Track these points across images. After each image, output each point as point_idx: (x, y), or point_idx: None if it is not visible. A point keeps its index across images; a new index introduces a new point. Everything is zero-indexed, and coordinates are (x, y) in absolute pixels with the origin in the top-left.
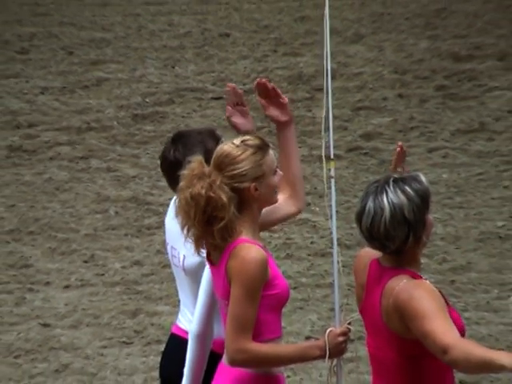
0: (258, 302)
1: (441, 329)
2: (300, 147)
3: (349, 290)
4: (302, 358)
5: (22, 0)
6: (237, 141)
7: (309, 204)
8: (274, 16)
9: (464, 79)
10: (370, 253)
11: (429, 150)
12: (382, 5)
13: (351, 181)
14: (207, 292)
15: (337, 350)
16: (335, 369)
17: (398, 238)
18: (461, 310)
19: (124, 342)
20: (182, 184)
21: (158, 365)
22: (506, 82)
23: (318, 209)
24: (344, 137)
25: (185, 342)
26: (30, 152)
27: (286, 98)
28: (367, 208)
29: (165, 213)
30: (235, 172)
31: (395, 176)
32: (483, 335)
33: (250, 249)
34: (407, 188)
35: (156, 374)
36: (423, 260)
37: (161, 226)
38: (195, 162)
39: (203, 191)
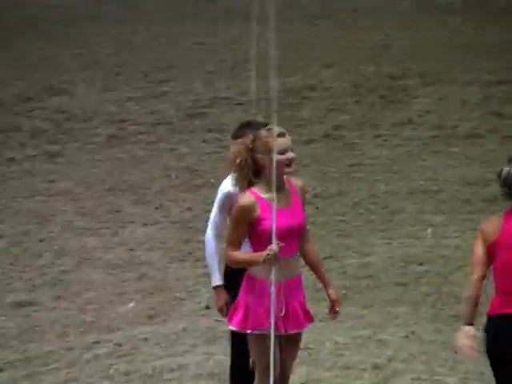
0: (240, 230)
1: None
2: None
3: None
4: (255, 261)
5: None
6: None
7: None
8: None
9: (398, 90)
10: None
11: (375, 135)
12: (346, 42)
13: (325, 156)
14: (216, 210)
15: (265, 259)
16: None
17: None
18: None
19: (181, 259)
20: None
21: (203, 273)
22: (424, 92)
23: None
24: (321, 128)
25: None
26: (120, 138)
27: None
28: None
29: (206, 178)
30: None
31: None
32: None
33: (244, 196)
34: None
35: (202, 279)
36: None
37: (204, 184)
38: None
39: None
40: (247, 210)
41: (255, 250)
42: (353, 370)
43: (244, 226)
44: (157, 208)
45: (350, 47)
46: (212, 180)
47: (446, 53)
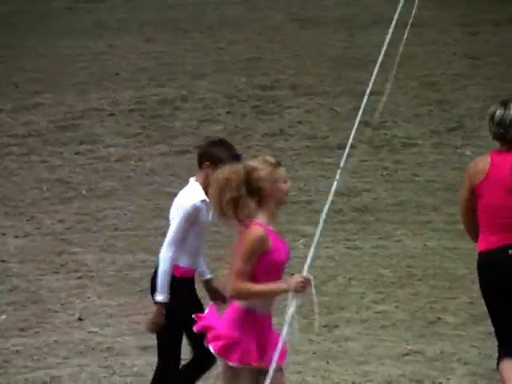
0: (252, 262)
1: None
2: None
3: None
4: (279, 290)
5: None
6: None
7: None
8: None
9: (269, 101)
10: None
11: (247, 146)
12: (217, 54)
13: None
14: (180, 223)
15: (296, 287)
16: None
17: None
18: None
19: (54, 271)
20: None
21: (76, 285)
22: (295, 103)
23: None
24: (194, 139)
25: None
26: None
27: None
28: None
29: (78, 190)
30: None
31: None
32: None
33: (255, 228)
34: None
35: (75, 291)
36: None
37: (77, 196)
38: None
39: None
40: (263, 242)
41: (260, 282)
42: None
43: (256, 257)
44: (28, 220)
45: (221, 59)
46: (84, 192)
47: (315, 65)
